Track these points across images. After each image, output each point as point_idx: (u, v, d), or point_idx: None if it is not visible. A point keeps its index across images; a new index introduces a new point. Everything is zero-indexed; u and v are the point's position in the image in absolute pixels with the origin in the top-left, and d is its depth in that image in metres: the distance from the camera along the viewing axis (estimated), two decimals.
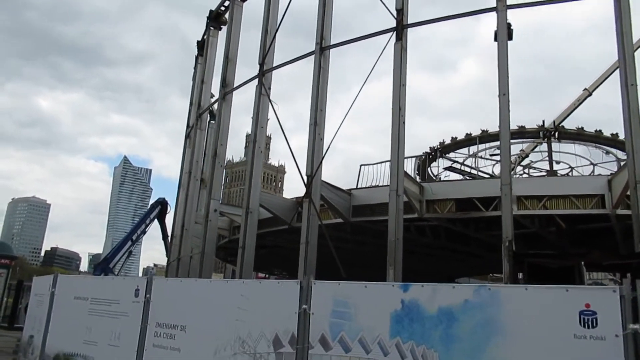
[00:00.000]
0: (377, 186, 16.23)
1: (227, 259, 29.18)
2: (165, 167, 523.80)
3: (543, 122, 23.61)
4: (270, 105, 16.07)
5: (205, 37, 22.45)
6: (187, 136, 23.53)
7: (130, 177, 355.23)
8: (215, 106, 21.91)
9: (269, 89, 16.35)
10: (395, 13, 13.36)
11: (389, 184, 13.48)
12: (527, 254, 11.79)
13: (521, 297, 4.70)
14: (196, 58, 24.17)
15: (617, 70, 11.49)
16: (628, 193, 10.72)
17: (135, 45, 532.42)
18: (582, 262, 12.33)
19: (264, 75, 16.36)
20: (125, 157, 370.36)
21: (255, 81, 17.02)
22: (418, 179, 29.56)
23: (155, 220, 31.74)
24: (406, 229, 17.25)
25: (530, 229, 15.36)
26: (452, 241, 18.31)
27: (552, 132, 23.02)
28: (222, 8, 21.18)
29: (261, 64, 16.46)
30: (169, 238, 23.17)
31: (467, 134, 24.97)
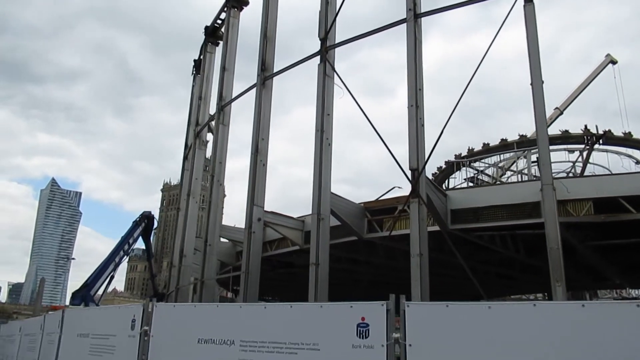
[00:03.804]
0: (482, 184, 13.43)
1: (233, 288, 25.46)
2: (97, 189, 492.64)
3: (585, 126, 21.90)
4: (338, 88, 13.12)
5: (201, 54, 20.71)
6: (185, 157, 20.72)
7: (58, 200, 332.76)
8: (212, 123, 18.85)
9: (333, 69, 13.33)
10: None
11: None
12: None
13: None
14: (194, 77, 22.17)
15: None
16: None
17: (67, 61, 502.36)
18: None
19: (327, 52, 13.35)
20: (53, 179, 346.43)
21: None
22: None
23: (140, 238, 27.25)
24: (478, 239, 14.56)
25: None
26: (531, 256, 15.81)
27: (599, 138, 21.30)
28: (219, 21, 19.35)
29: (323, 39, 13.47)
30: (170, 263, 19.27)
31: (502, 139, 22.86)
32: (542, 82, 10.31)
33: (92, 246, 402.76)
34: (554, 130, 30.59)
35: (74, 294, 24.72)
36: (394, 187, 17.97)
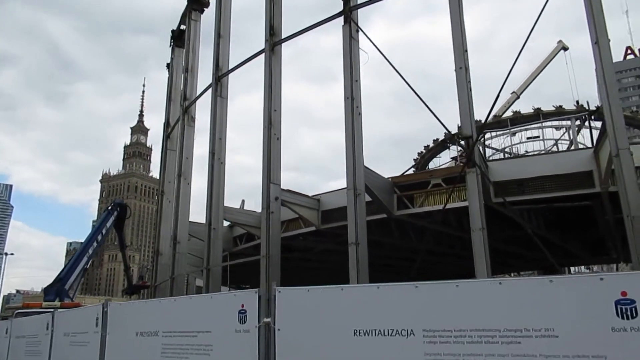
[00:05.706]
0: (525, 154, 12.69)
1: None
2: (28, 181, 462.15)
3: (577, 102, 21.88)
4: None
5: (184, 23, 18.98)
6: (167, 137, 18.95)
7: None
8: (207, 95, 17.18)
9: (357, 31, 12.18)
10: None
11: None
12: None
13: None
14: (172, 50, 20.45)
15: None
16: None
17: None
18: None
19: (351, 12, 12.17)
20: None
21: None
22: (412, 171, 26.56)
23: (113, 228, 25.12)
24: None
25: None
26: (549, 231, 15.36)
27: (592, 113, 21.24)
28: None
29: None
30: (157, 250, 17.59)
31: (495, 116, 22.43)
32: (609, 40, 9.63)
33: (24, 241, 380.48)
34: (527, 109, 31.10)
35: (46, 290, 22.45)
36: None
